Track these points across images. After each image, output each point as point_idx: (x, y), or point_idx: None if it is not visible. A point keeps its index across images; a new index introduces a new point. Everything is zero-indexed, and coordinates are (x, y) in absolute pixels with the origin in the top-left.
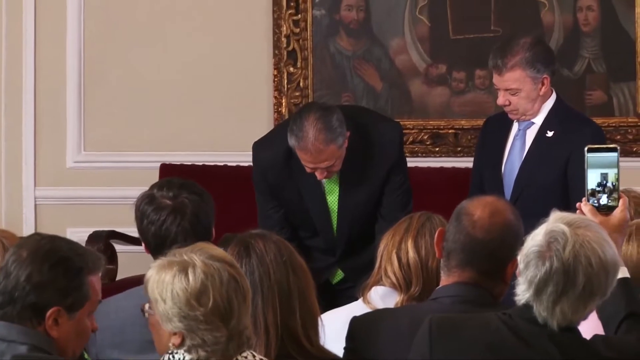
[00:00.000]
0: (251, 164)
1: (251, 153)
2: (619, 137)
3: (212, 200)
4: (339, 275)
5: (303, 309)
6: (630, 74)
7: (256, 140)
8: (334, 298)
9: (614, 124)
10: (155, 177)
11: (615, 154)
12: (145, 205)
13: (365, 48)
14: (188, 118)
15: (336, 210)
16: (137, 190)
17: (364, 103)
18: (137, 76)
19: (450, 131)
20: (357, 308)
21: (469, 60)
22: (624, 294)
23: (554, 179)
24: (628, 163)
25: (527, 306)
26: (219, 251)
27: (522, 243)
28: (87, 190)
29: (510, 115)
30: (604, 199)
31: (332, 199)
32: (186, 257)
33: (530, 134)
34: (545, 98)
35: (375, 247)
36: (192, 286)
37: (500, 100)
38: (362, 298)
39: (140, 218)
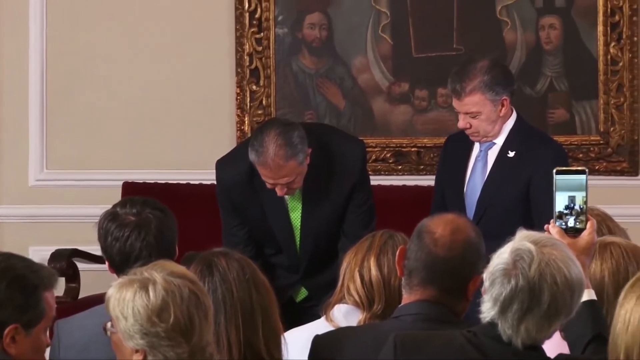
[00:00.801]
0: (214, 182)
1: (214, 171)
2: (581, 155)
3: (174, 217)
4: (303, 293)
5: (266, 326)
6: (592, 92)
7: (219, 158)
8: (298, 316)
9: (576, 142)
10: (117, 195)
11: (583, 177)
12: (109, 223)
13: (328, 66)
14: (151, 136)
15: (299, 227)
16: (99, 209)
17: (326, 121)
18: (100, 94)
19: (412, 149)
20: (319, 326)
21: (432, 78)
22: (591, 315)
23: (516, 200)
24: (590, 181)
25: (492, 324)
26: (179, 268)
27: (484, 260)
28: (49, 208)
29: (471, 138)
30: (571, 221)
31: (295, 216)
32: (147, 275)
33: (492, 155)
34: (506, 118)
35: (338, 265)
36: (153, 302)
37: (461, 123)
38: (324, 316)
39: (104, 235)
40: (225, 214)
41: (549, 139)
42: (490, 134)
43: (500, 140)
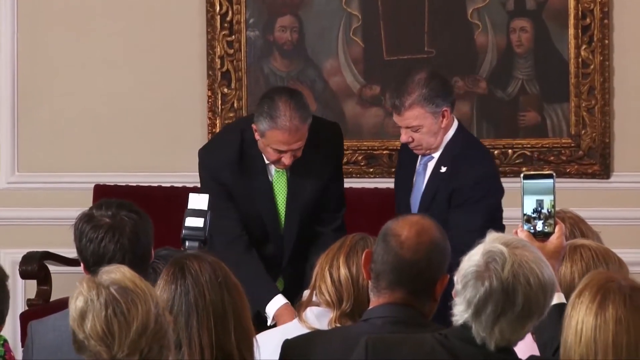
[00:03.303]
0: (185, 184)
1: (186, 173)
2: (552, 158)
3: (150, 220)
4: (280, 284)
5: (238, 329)
6: (563, 95)
7: (201, 147)
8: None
9: (547, 145)
10: (89, 198)
11: (551, 181)
12: (84, 224)
13: (299, 69)
14: (122, 139)
15: (284, 209)
16: (71, 211)
17: None
18: (71, 97)
19: (384, 152)
20: (292, 328)
21: (403, 81)
22: (561, 318)
23: (447, 215)
24: (562, 184)
25: (464, 327)
26: (123, 275)
27: (449, 260)
28: (20, 211)
29: (415, 151)
30: (539, 225)
31: (281, 199)
32: (96, 279)
33: (429, 169)
34: (447, 129)
35: (314, 253)
36: (78, 307)
37: (403, 137)
38: (297, 317)
39: (79, 237)
40: (218, 199)
41: (480, 156)
42: (433, 145)
43: (437, 155)
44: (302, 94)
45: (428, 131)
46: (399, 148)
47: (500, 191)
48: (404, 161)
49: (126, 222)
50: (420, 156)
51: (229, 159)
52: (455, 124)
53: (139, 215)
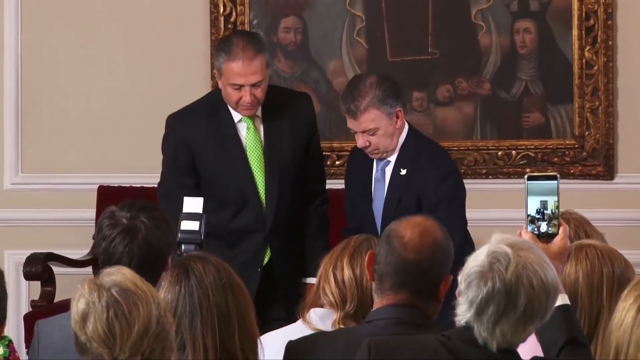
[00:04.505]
0: None
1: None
2: (556, 159)
3: (171, 228)
4: (267, 255)
5: (242, 330)
6: (567, 96)
7: (170, 114)
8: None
9: (551, 146)
10: (93, 199)
11: (554, 182)
12: (105, 220)
13: (303, 70)
14: (126, 140)
15: (262, 171)
16: (75, 212)
17: None
18: (74, 98)
19: None
20: (296, 329)
21: (407, 82)
22: (564, 320)
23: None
24: (566, 185)
25: (467, 327)
26: (124, 277)
27: (453, 260)
28: (24, 212)
29: (371, 156)
30: (543, 227)
31: (255, 160)
32: (98, 281)
33: (388, 173)
34: (401, 130)
35: (304, 226)
36: (79, 309)
37: (360, 142)
38: (301, 318)
39: (98, 232)
40: (174, 171)
41: (437, 155)
42: (390, 147)
43: (393, 158)
44: (259, 34)
45: (384, 133)
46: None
47: (462, 185)
48: (356, 171)
49: (140, 228)
50: (375, 164)
51: (197, 120)
52: (406, 125)
53: (157, 222)
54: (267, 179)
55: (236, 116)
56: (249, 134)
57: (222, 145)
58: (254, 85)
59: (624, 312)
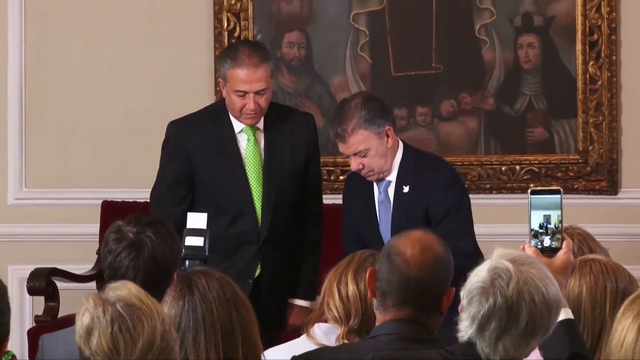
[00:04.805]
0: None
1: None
2: (560, 174)
3: (177, 243)
4: (257, 269)
5: (246, 346)
6: (571, 110)
7: (171, 121)
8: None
9: (555, 161)
10: (97, 214)
11: (558, 196)
12: (111, 234)
13: (307, 85)
14: (130, 155)
15: (260, 180)
16: (79, 227)
17: None
18: (78, 113)
19: None
20: (300, 344)
21: (410, 97)
22: (568, 334)
23: None
24: (570, 200)
25: (470, 343)
26: (129, 292)
27: (453, 273)
28: (28, 227)
29: (368, 178)
30: (547, 241)
31: (253, 169)
32: (103, 296)
33: (391, 193)
34: (394, 150)
35: (297, 247)
36: (83, 324)
37: (354, 165)
38: (305, 333)
39: (104, 246)
40: (170, 177)
41: (438, 164)
42: (385, 168)
43: (393, 177)
44: (265, 44)
45: (376, 153)
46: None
47: (466, 194)
48: (355, 196)
49: (146, 242)
50: (377, 187)
51: (198, 128)
52: (401, 145)
53: (163, 237)
54: (265, 190)
55: (237, 126)
56: (249, 145)
57: (221, 154)
58: (257, 93)
59: (623, 332)
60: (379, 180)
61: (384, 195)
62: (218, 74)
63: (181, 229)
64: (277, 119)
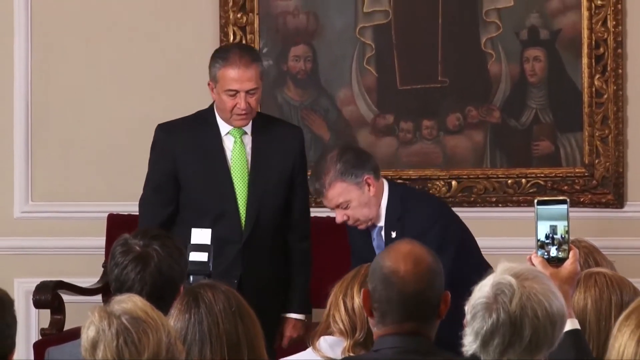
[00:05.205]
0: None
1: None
2: (566, 187)
3: (184, 257)
4: (239, 270)
5: (252, 358)
6: (577, 124)
7: (159, 123)
8: None
9: (561, 175)
10: (102, 228)
11: (564, 206)
12: (117, 247)
13: (313, 98)
14: (136, 168)
15: (246, 182)
16: (85, 241)
17: (311, 153)
18: (84, 127)
19: (397, 181)
20: (306, 357)
21: (417, 110)
22: (574, 345)
23: None
24: (575, 213)
25: (474, 357)
26: (134, 305)
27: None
28: (34, 240)
29: (359, 227)
30: (553, 251)
31: (238, 171)
32: (108, 309)
33: (383, 239)
34: (379, 196)
35: (286, 260)
36: (89, 337)
37: (338, 218)
38: (311, 346)
39: (110, 258)
40: (156, 180)
41: (420, 205)
42: (371, 216)
43: (382, 223)
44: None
45: (358, 204)
46: (411, 177)
47: (452, 227)
48: (355, 238)
49: (153, 255)
50: (371, 232)
51: (184, 130)
52: (386, 185)
53: (169, 250)
54: (250, 191)
55: (224, 129)
56: (235, 147)
57: (207, 155)
58: (248, 93)
59: (621, 348)
60: (371, 227)
61: (379, 240)
62: (209, 76)
63: (167, 230)
64: (265, 125)
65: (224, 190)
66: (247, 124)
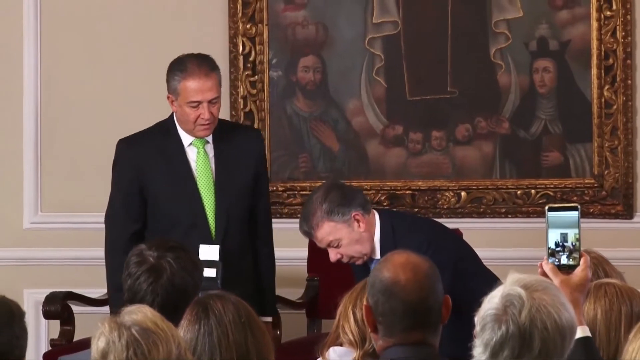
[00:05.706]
0: None
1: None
2: (575, 198)
3: (199, 270)
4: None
5: None
6: (586, 135)
7: (120, 138)
8: None
9: (570, 185)
10: None
11: (576, 213)
12: (133, 257)
13: (322, 109)
14: None
15: (213, 192)
16: (94, 251)
17: (320, 164)
18: (93, 137)
19: (407, 192)
20: None
21: (426, 121)
22: (585, 352)
23: None
24: (585, 224)
25: None
26: (144, 316)
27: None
28: (43, 251)
29: (356, 264)
30: (564, 259)
31: (204, 181)
32: (118, 320)
33: None
34: (371, 230)
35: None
36: (101, 348)
37: (332, 257)
38: (321, 357)
39: (126, 268)
40: (122, 195)
41: (409, 235)
42: (365, 251)
43: (378, 255)
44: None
45: (349, 241)
46: (421, 188)
47: (444, 253)
48: (357, 268)
49: (166, 268)
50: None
51: (146, 144)
52: (377, 217)
53: (183, 263)
54: (217, 201)
55: (186, 140)
56: (199, 158)
57: (170, 167)
58: (210, 102)
59: (634, 352)
60: (369, 261)
61: None
62: (168, 89)
63: (136, 245)
64: (225, 131)
65: (191, 202)
66: (210, 134)
